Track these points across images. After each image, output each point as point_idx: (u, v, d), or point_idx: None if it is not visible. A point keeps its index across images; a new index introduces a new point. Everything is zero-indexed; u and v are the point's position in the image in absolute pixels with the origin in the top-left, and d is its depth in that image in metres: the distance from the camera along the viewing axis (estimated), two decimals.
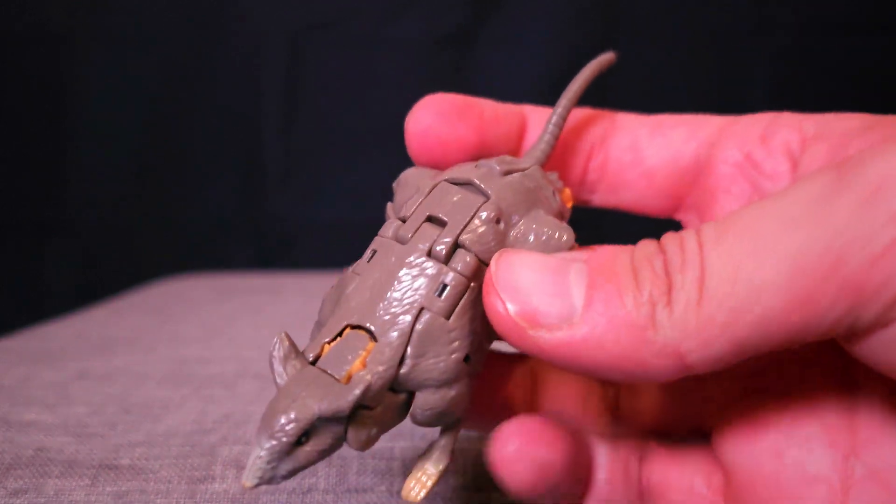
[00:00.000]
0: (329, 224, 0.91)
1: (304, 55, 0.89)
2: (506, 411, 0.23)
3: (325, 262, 0.89)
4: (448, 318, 0.19)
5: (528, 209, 0.21)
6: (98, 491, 0.26)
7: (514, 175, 0.22)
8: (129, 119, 0.91)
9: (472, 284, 0.20)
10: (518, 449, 0.20)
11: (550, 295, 0.18)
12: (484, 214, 0.20)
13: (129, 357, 0.42)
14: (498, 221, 0.20)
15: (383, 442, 0.27)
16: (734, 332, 0.16)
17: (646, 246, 0.18)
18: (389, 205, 0.24)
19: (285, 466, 0.18)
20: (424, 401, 0.19)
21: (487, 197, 0.21)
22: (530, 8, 0.88)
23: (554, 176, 0.24)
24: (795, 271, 0.16)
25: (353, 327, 0.19)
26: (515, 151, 0.25)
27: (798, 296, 0.16)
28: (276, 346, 0.19)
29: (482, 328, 0.20)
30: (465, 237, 0.20)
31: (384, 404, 0.19)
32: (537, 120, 0.25)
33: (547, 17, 0.88)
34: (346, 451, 0.27)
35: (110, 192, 0.92)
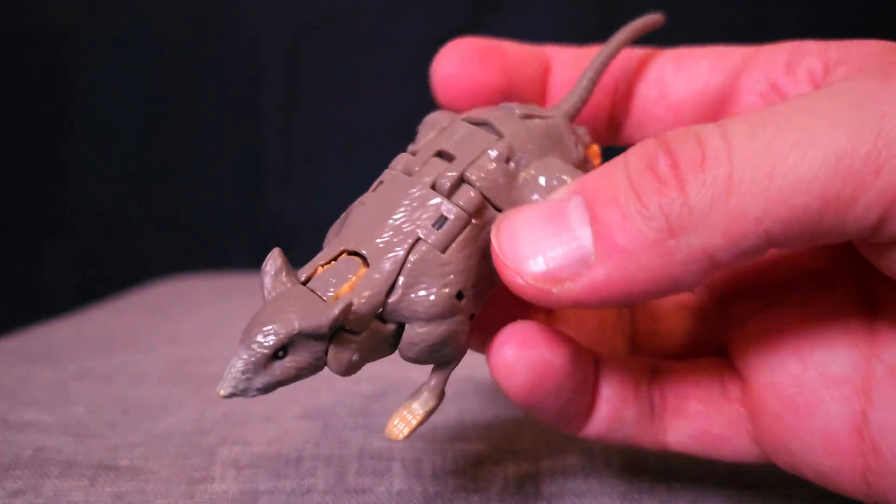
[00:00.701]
0: (329, 223, 0.91)
1: (305, 54, 0.89)
2: None
3: None
4: (444, 251, 0.19)
5: (542, 154, 0.21)
6: (97, 491, 0.26)
7: (535, 120, 0.21)
8: (128, 118, 0.91)
9: (473, 221, 0.19)
10: (515, 353, 0.19)
11: (558, 245, 0.17)
12: (494, 153, 0.20)
13: (129, 357, 0.42)
14: (508, 161, 0.20)
15: (382, 442, 0.27)
16: (766, 225, 0.16)
17: (641, 151, 0.17)
18: (410, 147, 0.23)
19: (261, 379, 0.18)
20: (413, 334, 0.19)
21: (501, 136, 0.20)
22: (530, 7, 0.88)
23: (582, 130, 0.23)
24: (838, 169, 0.15)
25: (350, 253, 0.19)
26: (541, 93, 0.25)
27: (836, 194, 0.16)
28: (269, 261, 0.19)
29: (481, 267, 0.20)
30: (471, 173, 0.20)
31: (370, 331, 0.19)
32: (562, 61, 0.25)
33: (547, 17, 0.88)
34: (345, 451, 0.27)
35: (110, 191, 0.92)
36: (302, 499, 0.26)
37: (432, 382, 0.21)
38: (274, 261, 0.19)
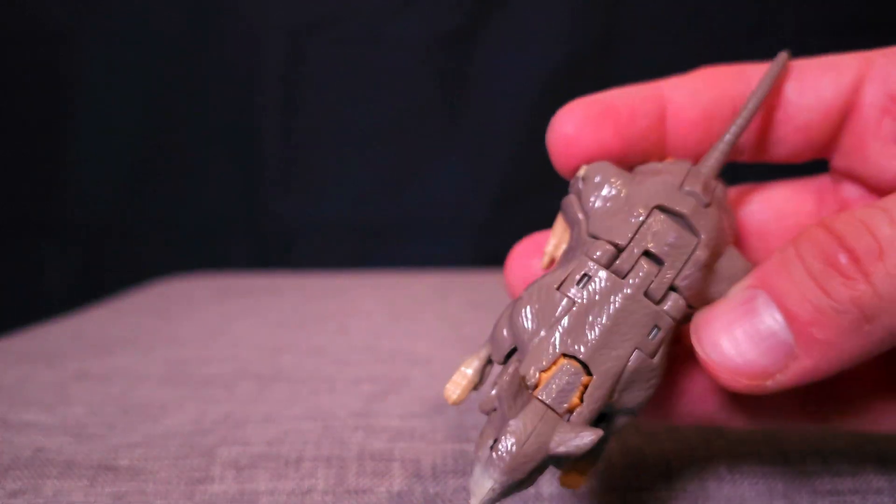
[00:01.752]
0: (329, 224, 0.91)
1: (304, 54, 0.89)
2: None
3: (324, 262, 0.89)
4: (654, 357, 0.20)
5: (724, 246, 0.22)
6: (97, 492, 0.26)
7: (713, 208, 0.22)
8: (128, 118, 0.91)
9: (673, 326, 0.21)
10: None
11: (763, 346, 0.19)
12: (699, 259, 0.21)
13: (128, 357, 0.42)
14: (707, 266, 0.21)
15: (382, 443, 0.27)
16: None
17: (816, 246, 0.19)
18: (572, 199, 0.23)
19: (506, 495, 0.19)
20: (618, 423, 0.21)
21: (698, 237, 0.21)
22: (531, 7, 0.88)
23: (720, 188, 0.23)
24: None
25: (566, 356, 0.20)
26: (661, 139, 0.25)
27: None
28: (508, 380, 0.20)
29: None
30: (680, 282, 0.21)
31: None
32: (679, 100, 0.25)
33: (547, 16, 0.88)
34: (345, 452, 0.27)
35: (109, 191, 0.92)
36: (302, 499, 0.26)
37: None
38: (512, 379, 0.20)
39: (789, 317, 0.18)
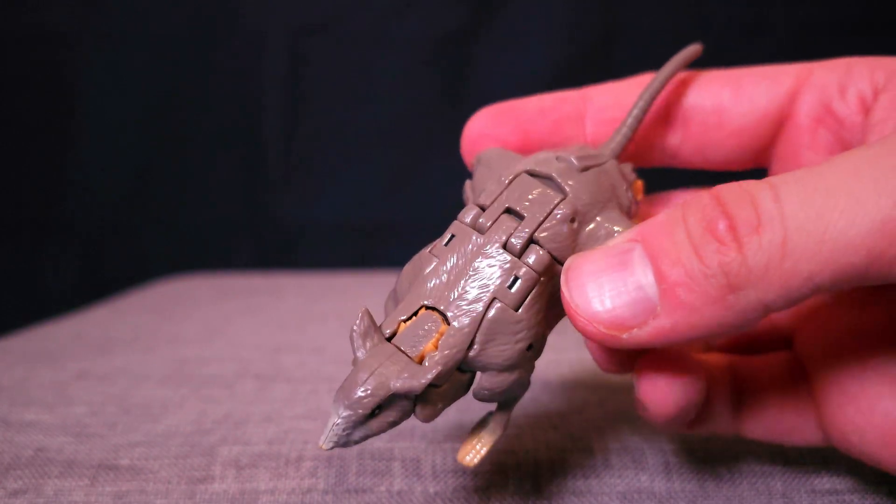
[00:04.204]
0: (329, 225, 0.91)
1: (305, 55, 0.90)
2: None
3: (325, 262, 0.89)
4: (517, 309, 0.20)
5: (601, 208, 0.22)
6: (97, 491, 0.26)
7: (592, 171, 0.22)
8: (130, 119, 0.91)
9: (541, 279, 0.21)
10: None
11: (626, 296, 0.19)
12: (560, 213, 0.21)
13: (129, 357, 0.42)
14: (573, 221, 0.21)
15: (382, 442, 0.27)
16: (816, 281, 0.17)
17: (700, 211, 0.18)
18: (468, 183, 0.25)
19: (358, 434, 0.20)
20: (487, 381, 0.21)
21: (565, 194, 0.22)
22: (531, 7, 0.88)
23: (628, 168, 0.24)
24: (884, 232, 0.17)
25: (428, 308, 0.21)
26: (577, 136, 0.26)
27: (882, 253, 0.17)
28: (358, 321, 0.20)
29: (545, 318, 0.21)
30: (540, 234, 0.21)
31: (451, 382, 0.21)
32: (600, 99, 0.26)
33: (547, 17, 0.88)
34: (344, 452, 0.27)
35: (111, 192, 0.92)
36: (302, 498, 0.26)
37: (498, 417, 0.22)
38: (362, 320, 0.20)
39: (659, 274, 0.18)
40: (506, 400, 0.22)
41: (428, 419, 0.21)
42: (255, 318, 0.53)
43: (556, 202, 0.21)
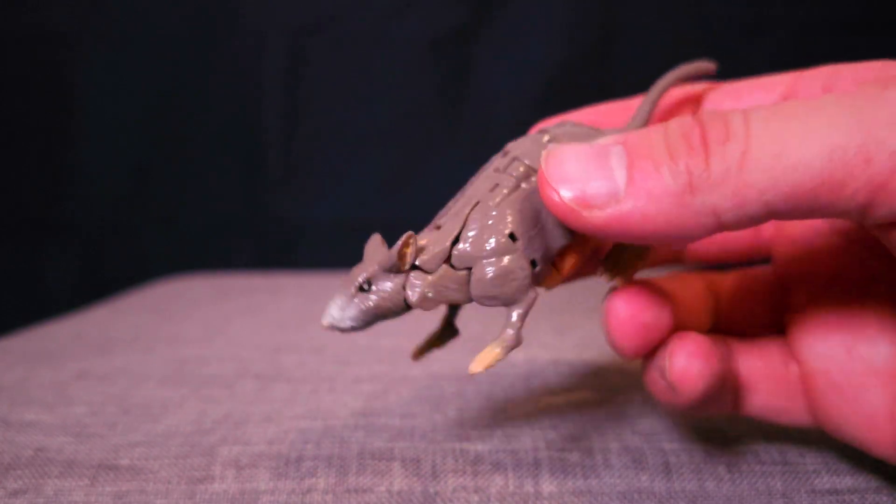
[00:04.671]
0: (329, 224, 0.91)
1: (305, 55, 0.90)
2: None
3: (325, 262, 0.89)
4: (496, 206, 0.23)
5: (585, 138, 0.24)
6: (97, 491, 0.26)
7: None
8: (130, 119, 0.91)
9: (522, 185, 0.24)
10: (628, 313, 0.23)
11: (596, 178, 0.20)
12: (543, 140, 0.25)
13: (129, 357, 0.42)
14: (549, 141, 0.25)
15: (382, 442, 0.27)
16: (768, 197, 0.19)
17: (679, 123, 0.20)
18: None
19: (352, 309, 0.24)
20: (479, 271, 0.23)
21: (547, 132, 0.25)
22: (530, 7, 0.88)
23: None
24: (832, 159, 0.18)
25: (438, 227, 0.25)
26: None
27: (829, 179, 0.18)
28: (371, 240, 0.26)
29: (534, 220, 0.23)
30: (524, 157, 0.24)
31: (442, 273, 0.23)
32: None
33: (547, 16, 0.88)
34: (345, 451, 0.27)
35: (111, 192, 0.92)
36: (302, 498, 0.26)
37: (512, 319, 0.23)
38: (373, 238, 0.26)
39: (631, 165, 0.20)
40: (504, 298, 0.23)
41: (419, 302, 0.24)
42: (255, 318, 0.53)
43: (543, 138, 0.25)
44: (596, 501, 0.25)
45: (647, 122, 0.27)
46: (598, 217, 0.20)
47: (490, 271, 0.23)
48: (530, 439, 0.28)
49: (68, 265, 0.93)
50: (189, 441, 0.28)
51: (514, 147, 0.25)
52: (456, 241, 0.23)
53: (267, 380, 0.37)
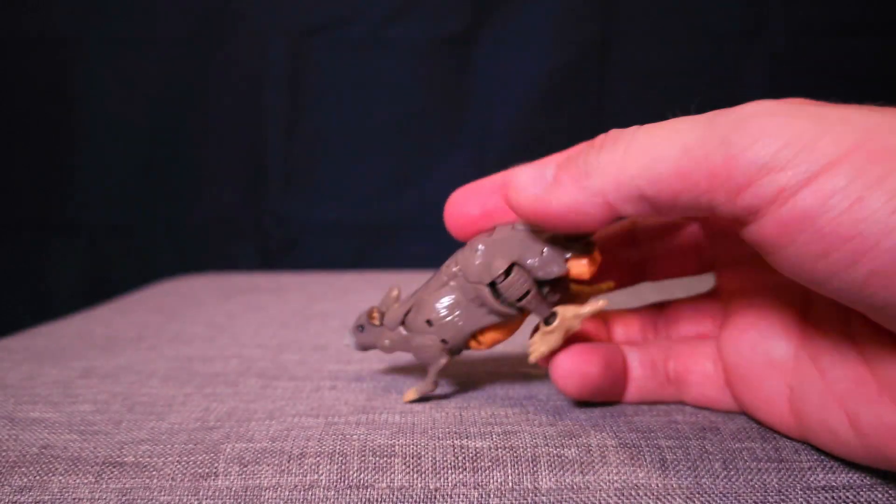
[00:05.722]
0: (331, 225, 0.92)
1: (306, 57, 0.90)
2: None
3: (326, 262, 0.89)
4: (428, 295, 0.31)
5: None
6: (102, 488, 0.26)
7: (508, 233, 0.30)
8: (133, 121, 0.92)
9: (450, 283, 0.30)
10: (570, 366, 0.29)
11: (538, 182, 0.26)
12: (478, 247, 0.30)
13: (134, 355, 0.42)
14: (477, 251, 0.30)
15: (383, 439, 0.28)
16: (638, 182, 0.23)
17: (592, 140, 0.26)
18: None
19: (353, 341, 0.34)
20: (410, 341, 0.32)
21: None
22: (530, 10, 0.88)
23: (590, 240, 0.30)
24: (683, 154, 0.22)
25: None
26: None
27: (681, 170, 0.22)
28: (388, 291, 0.34)
29: (452, 309, 0.31)
30: (458, 261, 0.30)
31: (397, 332, 0.32)
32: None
33: (546, 20, 0.88)
34: (347, 447, 0.27)
35: (115, 192, 0.93)
36: (305, 494, 0.26)
37: (428, 374, 0.32)
38: (390, 289, 0.34)
39: (557, 166, 0.26)
40: (422, 362, 0.32)
41: (382, 349, 0.33)
42: (258, 317, 0.54)
43: (477, 245, 0.30)
44: (593, 497, 0.26)
45: None
46: (542, 203, 0.26)
47: (413, 343, 0.32)
48: (528, 436, 0.28)
49: (73, 265, 0.93)
50: (193, 438, 0.29)
51: (459, 252, 0.30)
52: (407, 313, 0.32)
53: (270, 378, 0.37)
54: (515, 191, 0.27)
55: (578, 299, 0.31)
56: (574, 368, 0.29)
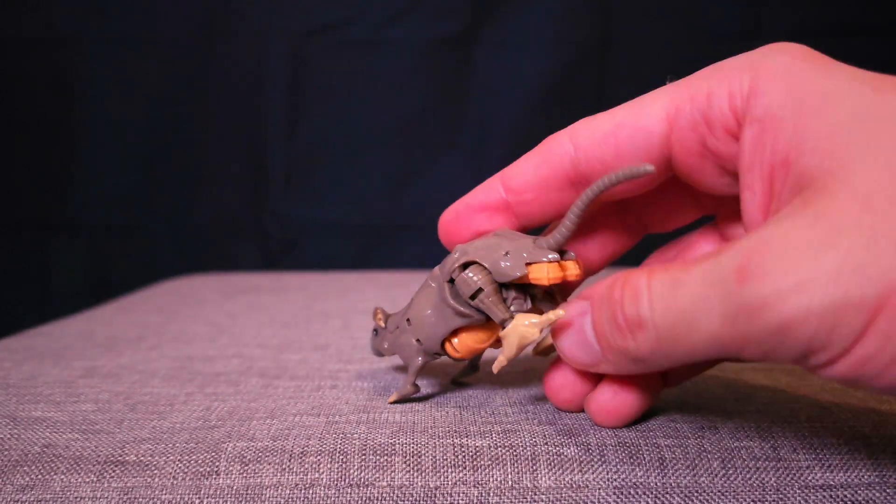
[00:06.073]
0: (331, 225, 0.92)
1: (307, 58, 0.90)
2: None
3: (327, 262, 0.89)
4: (413, 297, 0.32)
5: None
6: (104, 486, 0.26)
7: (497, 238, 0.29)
8: (135, 121, 0.92)
9: (431, 284, 0.30)
10: (561, 381, 0.30)
11: (585, 352, 0.26)
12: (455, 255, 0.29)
13: (136, 355, 0.42)
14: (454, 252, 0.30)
15: (384, 437, 0.28)
16: (685, 359, 0.23)
17: (607, 303, 0.25)
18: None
19: (371, 344, 0.35)
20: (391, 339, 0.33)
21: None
22: (529, 11, 0.88)
23: (571, 255, 0.28)
24: (720, 346, 0.22)
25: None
26: (507, 222, 0.30)
27: (724, 347, 0.22)
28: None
29: (424, 309, 0.30)
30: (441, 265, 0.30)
31: (394, 335, 0.33)
32: (518, 184, 0.30)
33: (545, 20, 0.88)
34: (348, 446, 0.27)
35: (117, 193, 0.93)
36: (306, 493, 0.26)
37: (408, 374, 0.32)
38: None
39: (600, 341, 0.25)
40: (404, 361, 0.32)
41: (383, 352, 0.34)
42: (259, 316, 0.54)
43: (454, 254, 0.29)
44: (592, 495, 0.26)
45: (573, 231, 0.27)
46: (603, 370, 0.27)
47: (398, 342, 0.32)
48: (528, 434, 0.28)
49: (74, 265, 0.93)
50: (195, 437, 0.29)
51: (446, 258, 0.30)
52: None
53: (271, 377, 0.37)
54: (565, 359, 0.27)
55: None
56: (564, 383, 0.30)
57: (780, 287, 0.20)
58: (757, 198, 0.24)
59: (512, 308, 0.28)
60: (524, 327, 0.27)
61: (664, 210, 0.31)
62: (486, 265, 0.28)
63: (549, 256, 0.27)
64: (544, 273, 0.27)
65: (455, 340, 0.30)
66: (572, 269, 0.28)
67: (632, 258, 0.33)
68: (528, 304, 0.28)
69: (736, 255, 0.21)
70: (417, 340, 0.31)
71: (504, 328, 0.28)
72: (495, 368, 0.28)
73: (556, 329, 0.27)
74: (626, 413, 0.28)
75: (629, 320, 0.24)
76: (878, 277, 0.19)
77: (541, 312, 0.28)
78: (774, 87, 0.24)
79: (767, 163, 0.24)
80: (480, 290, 0.28)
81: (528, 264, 0.27)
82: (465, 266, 0.28)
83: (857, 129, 0.21)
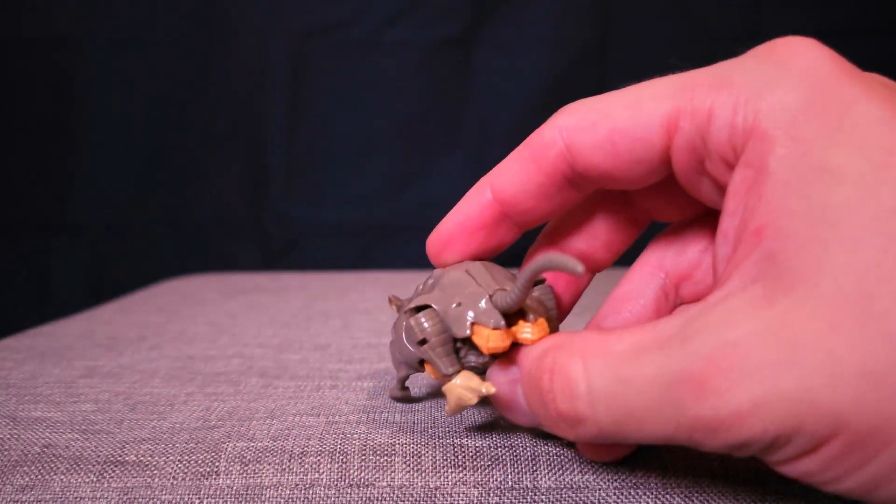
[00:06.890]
0: (331, 226, 0.92)
1: (307, 59, 0.90)
2: None
3: (327, 262, 0.90)
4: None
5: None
6: (104, 487, 0.26)
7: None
8: (135, 121, 0.92)
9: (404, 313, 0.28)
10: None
11: (528, 419, 0.25)
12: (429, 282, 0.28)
13: (136, 355, 0.42)
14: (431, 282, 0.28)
15: (384, 438, 0.28)
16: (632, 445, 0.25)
17: (535, 389, 0.24)
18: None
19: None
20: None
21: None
22: (529, 12, 0.88)
23: (547, 295, 0.27)
24: (667, 440, 0.21)
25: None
26: (503, 235, 0.29)
27: (673, 441, 0.21)
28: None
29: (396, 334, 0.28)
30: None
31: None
32: (509, 195, 0.28)
33: (545, 22, 0.88)
34: (348, 446, 0.27)
35: (117, 193, 0.93)
36: (306, 493, 0.26)
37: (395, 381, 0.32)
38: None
39: (535, 415, 0.24)
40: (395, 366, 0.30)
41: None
42: (259, 316, 0.54)
43: (428, 281, 0.28)
44: (592, 496, 0.26)
45: (523, 299, 0.24)
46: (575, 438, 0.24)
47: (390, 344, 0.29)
48: (528, 435, 0.28)
49: (74, 265, 0.93)
50: (195, 437, 0.29)
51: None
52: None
53: (271, 377, 0.37)
54: (508, 412, 0.26)
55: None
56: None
57: (738, 408, 0.20)
58: (729, 245, 0.23)
59: (468, 358, 0.26)
60: (462, 391, 0.25)
61: (669, 202, 0.30)
62: (438, 312, 0.26)
63: (492, 322, 0.25)
64: (484, 341, 0.24)
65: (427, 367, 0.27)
66: (529, 334, 0.25)
67: (633, 252, 0.32)
68: (485, 359, 0.26)
69: (691, 359, 0.20)
70: (399, 352, 0.28)
71: (449, 380, 0.25)
72: (446, 414, 0.27)
73: (493, 395, 0.25)
74: (616, 451, 0.27)
75: (564, 415, 0.23)
76: (834, 412, 0.19)
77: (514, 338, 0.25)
78: (775, 135, 0.21)
79: (746, 219, 0.22)
80: (424, 340, 0.26)
81: (473, 323, 0.25)
82: (420, 309, 0.26)
83: (845, 224, 0.20)
